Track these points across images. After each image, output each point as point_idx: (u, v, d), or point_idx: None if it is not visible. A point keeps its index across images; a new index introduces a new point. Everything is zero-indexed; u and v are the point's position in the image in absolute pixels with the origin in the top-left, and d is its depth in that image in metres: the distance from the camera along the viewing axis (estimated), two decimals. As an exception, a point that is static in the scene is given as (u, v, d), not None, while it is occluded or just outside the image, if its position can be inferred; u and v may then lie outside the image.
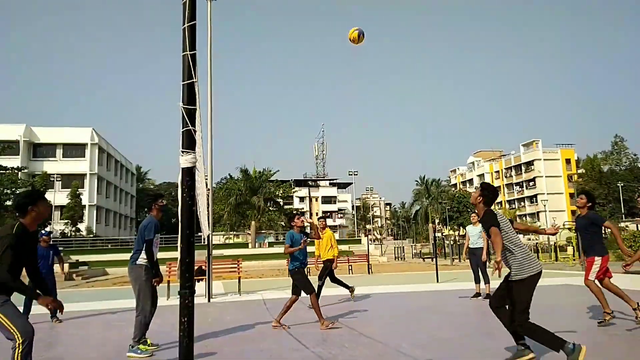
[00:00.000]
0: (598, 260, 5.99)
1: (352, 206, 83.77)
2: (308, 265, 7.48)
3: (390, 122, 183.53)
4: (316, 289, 8.94)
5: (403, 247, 40.07)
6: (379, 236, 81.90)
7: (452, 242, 34.31)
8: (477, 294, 9.35)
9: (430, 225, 65.22)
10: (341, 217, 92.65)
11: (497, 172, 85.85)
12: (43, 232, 8.29)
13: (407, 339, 5.57)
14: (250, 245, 42.64)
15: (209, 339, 6.01)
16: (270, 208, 48.30)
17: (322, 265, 9.23)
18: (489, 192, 4.57)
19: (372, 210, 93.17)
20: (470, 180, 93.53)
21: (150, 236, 5.46)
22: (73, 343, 6.44)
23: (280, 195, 50.33)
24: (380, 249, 42.01)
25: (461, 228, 60.95)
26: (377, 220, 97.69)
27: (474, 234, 9.56)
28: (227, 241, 50.08)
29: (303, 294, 6.69)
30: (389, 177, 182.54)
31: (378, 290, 11.96)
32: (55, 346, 6.24)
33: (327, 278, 9.26)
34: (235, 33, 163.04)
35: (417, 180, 76.10)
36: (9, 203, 37.00)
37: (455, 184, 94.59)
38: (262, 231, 49.46)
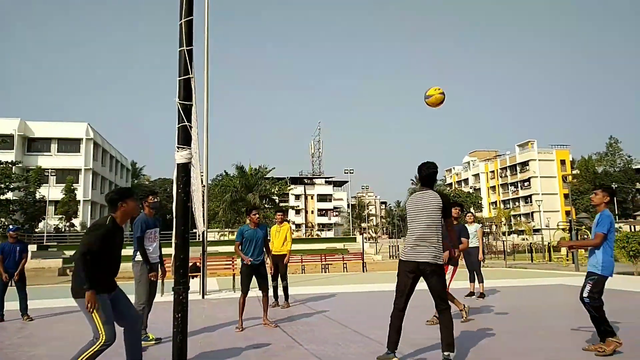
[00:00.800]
0: None
1: (348, 204, 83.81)
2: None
3: (386, 121, 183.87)
4: (272, 291, 8.45)
5: (398, 245, 40.14)
6: (374, 235, 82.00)
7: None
8: (471, 293, 9.37)
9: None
10: (336, 215, 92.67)
11: (492, 172, 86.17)
12: (10, 227, 8.19)
13: (402, 339, 5.56)
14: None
15: (203, 335, 6.00)
16: (266, 205, 48.29)
17: (272, 259, 8.13)
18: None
19: (368, 208, 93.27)
20: (466, 180, 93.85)
21: (137, 233, 5.61)
22: (67, 338, 6.40)
23: (275, 192, 50.34)
24: (375, 248, 42.08)
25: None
26: (372, 218, 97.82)
27: (469, 233, 9.57)
28: (222, 238, 49.93)
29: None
30: (384, 176, 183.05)
31: (372, 289, 11.97)
32: (49, 342, 6.20)
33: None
34: (230, 28, 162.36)
35: (412, 179, 76.35)
36: (2, 197, 36.79)
37: (451, 183, 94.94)
38: (257, 228, 49.37)
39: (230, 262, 13.83)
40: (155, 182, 76.13)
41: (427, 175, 4.55)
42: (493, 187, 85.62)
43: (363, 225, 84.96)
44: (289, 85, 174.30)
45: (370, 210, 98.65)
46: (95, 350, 3.51)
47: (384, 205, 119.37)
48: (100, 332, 3.53)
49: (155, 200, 5.87)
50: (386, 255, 36.97)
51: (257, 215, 6.81)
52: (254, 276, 6.49)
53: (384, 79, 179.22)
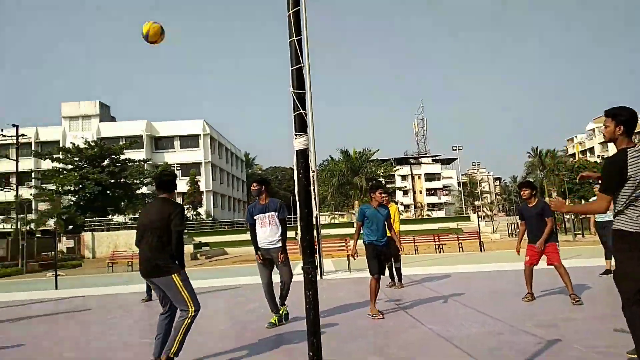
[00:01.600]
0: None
1: (458, 182, 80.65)
2: None
3: (495, 93, 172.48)
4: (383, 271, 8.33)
5: (517, 223, 37.76)
6: (489, 212, 77.97)
7: (573, 217, 31.54)
8: (607, 271, 8.54)
9: (547, 199, 60.56)
10: (446, 194, 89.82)
11: (625, 137, 76.67)
12: None
13: (530, 319, 5.28)
14: (355, 224, 43.14)
15: (325, 315, 6.22)
16: (373, 187, 48.33)
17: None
18: (627, 115, 3.18)
19: (480, 185, 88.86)
20: (591, 149, 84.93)
21: (250, 221, 5.88)
22: (206, 314, 7.08)
23: (381, 174, 50.17)
24: (491, 226, 40.08)
25: (582, 200, 55.72)
26: (485, 196, 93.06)
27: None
28: (332, 221, 51.24)
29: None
30: (497, 151, 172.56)
31: (492, 268, 11.45)
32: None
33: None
34: (328, 10, 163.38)
35: (529, 152, 70.91)
36: (139, 191, 41.42)
37: (574, 153, 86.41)
38: (366, 211, 49.72)
39: (344, 244, 14.13)
40: (267, 170, 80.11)
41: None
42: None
43: (476, 203, 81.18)
44: (389, 64, 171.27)
45: (483, 187, 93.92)
46: (189, 322, 3.95)
47: (498, 181, 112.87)
48: (188, 304, 3.96)
49: (256, 187, 5.87)
50: (505, 234, 35.01)
51: (384, 195, 6.47)
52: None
53: (492, 46, 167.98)
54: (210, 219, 51.24)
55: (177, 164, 51.30)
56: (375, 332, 5.15)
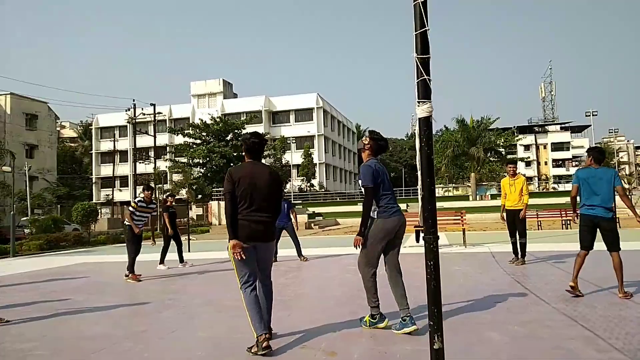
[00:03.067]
0: None
1: (590, 152, 72.69)
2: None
3: (637, 46, 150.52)
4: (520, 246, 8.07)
5: (665, 197, 33.14)
6: (627, 186, 69.56)
7: None
8: None
9: None
10: (576, 166, 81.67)
11: None
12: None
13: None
14: (470, 197, 41.42)
15: (443, 288, 6.12)
16: (491, 159, 45.71)
17: (507, 214, 8.18)
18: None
19: (618, 155, 79.24)
20: None
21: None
22: (317, 281, 7.42)
23: (501, 144, 47.06)
24: (630, 200, 35.73)
25: None
26: (623, 167, 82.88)
27: None
28: (446, 194, 49.72)
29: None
30: (639, 115, 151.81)
31: (628, 247, 10.28)
32: (307, 282, 7.29)
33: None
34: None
35: (681, 116, 61.16)
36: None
37: None
38: (483, 183, 47.40)
39: (459, 218, 13.66)
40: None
41: None
42: None
43: (612, 175, 72.63)
44: (512, 19, 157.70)
45: (622, 157, 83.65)
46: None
47: (639, 150, 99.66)
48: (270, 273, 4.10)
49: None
50: (646, 210, 30.97)
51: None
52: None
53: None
54: (323, 190, 52.74)
55: (292, 137, 53.31)
56: (495, 307, 4.96)
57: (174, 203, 10.80)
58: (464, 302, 5.26)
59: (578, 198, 5.63)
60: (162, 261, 9.95)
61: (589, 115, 55.98)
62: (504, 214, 8.27)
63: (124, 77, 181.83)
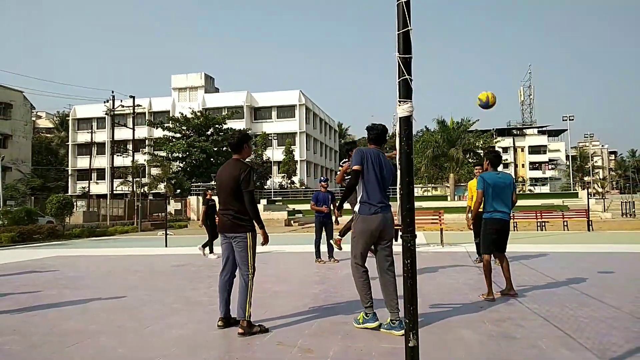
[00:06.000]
0: None
1: (567, 156, 74.40)
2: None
3: (613, 55, 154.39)
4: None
5: (633, 202, 34.12)
6: (600, 189, 71.33)
7: None
8: None
9: None
10: (552, 169, 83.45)
11: None
12: (322, 178, 9.65)
13: (647, 306, 4.82)
14: (449, 197, 41.94)
15: (419, 287, 6.18)
16: (470, 160, 46.32)
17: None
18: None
19: (592, 160, 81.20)
20: None
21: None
22: (295, 279, 7.42)
23: (480, 146, 47.69)
24: (602, 204, 36.70)
25: None
26: (598, 171, 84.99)
27: None
28: (425, 194, 50.20)
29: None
30: (614, 121, 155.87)
31: (600, 249, 10.55)
32: (285, 279, 7.29)
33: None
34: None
35: (654, 123, 62.98)
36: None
37: None
38: (462, 184, 47.95)
39: (437, 217, 13.80)
40: (360, 140, 79.96)
41: None
42: None
43: (586, 179, 74.47)
44: (492, 24, 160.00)
45: (596, 161, 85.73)
46: (251, 283, 4.18)
47: (613, 155, 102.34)
48: (250, 266, 4.17)
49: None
50: (617, 213, 31.85)
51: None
52: None
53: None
54: (304, 187, 52.72)
55: (274, 133, 53.06)
56: (470, 306, 5.03)
57: (213, 197, 10.77)
58: (439, 300, 5.33)
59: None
60: (211, 250, 10.35)
61: (566, 120, 57.19)
62: (469, 215, 8.10)
63: (103, 68, 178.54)
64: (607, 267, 7.87)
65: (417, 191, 47.44)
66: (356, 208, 4.17)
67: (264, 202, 35.94)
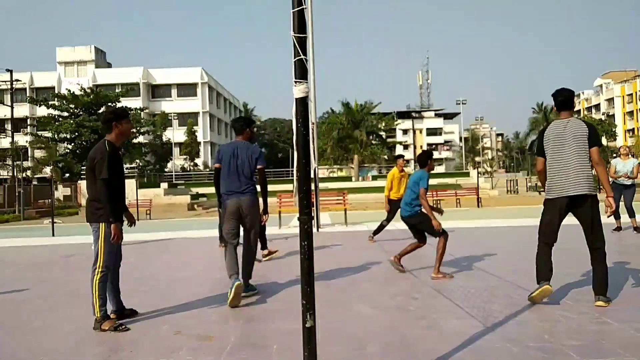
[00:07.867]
0: None
1: (460, 138, 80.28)
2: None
3: (502, 45, 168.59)
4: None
5: (517, 180, 37.89)
6: (489, 169, 78.16)
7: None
8: (618, 228, 8.75)
9: None
10: (447, 150, 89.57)
11: (630, 95, 75.24)
12: None
13: (524, 274, 5.33)
14: (353, 178, 43.30)
15: (320, 266, 6.29)
16: (373, 142, 48.10)
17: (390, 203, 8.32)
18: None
19: (482, 141, 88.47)
20: (597, 106, 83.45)
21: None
22: (196, 265, 7.18)
23: (382, 128, 49.71)
24: (490, 182, 40.26)
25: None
26: (487, 152, 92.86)
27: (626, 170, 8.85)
28: (331, 175, 51.35)
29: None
30: (501, 106, 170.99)
31: (489, 224, 11.56)
32: (186, 266, 7.01)
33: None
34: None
35: (533, 108, 70.27)
36: (135, 140, 40.92)
37: (579, 110, 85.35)
38: (365, 165, 49.76)
39: (342, 198, 14.15)
40: (266, 122, 79.36)
41: (563, 100, 4.17)
42: (630, 113, 75.21)
43: (477, 159, 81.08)
44: (395, 13, 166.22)
45: (485, 143, 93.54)
46: (97, 278, 3.78)
47: (500, 137, 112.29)
48: (100, 259, 3.79)
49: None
50: (503, 191, 35.18)
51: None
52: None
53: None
54: (208, 170, 51.27)
55: (174, 113, 50.63)
56: (368, 282, 5.22)
57: None
58: (338, 278, 5.47)
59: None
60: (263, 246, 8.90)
61: (459, 104, 61.53)
62: (387, 204, 8.37)
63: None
64: (493, 240, 8.63)
65: (324, 172, 48.40)
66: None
67: (164, 185, 34.25)
